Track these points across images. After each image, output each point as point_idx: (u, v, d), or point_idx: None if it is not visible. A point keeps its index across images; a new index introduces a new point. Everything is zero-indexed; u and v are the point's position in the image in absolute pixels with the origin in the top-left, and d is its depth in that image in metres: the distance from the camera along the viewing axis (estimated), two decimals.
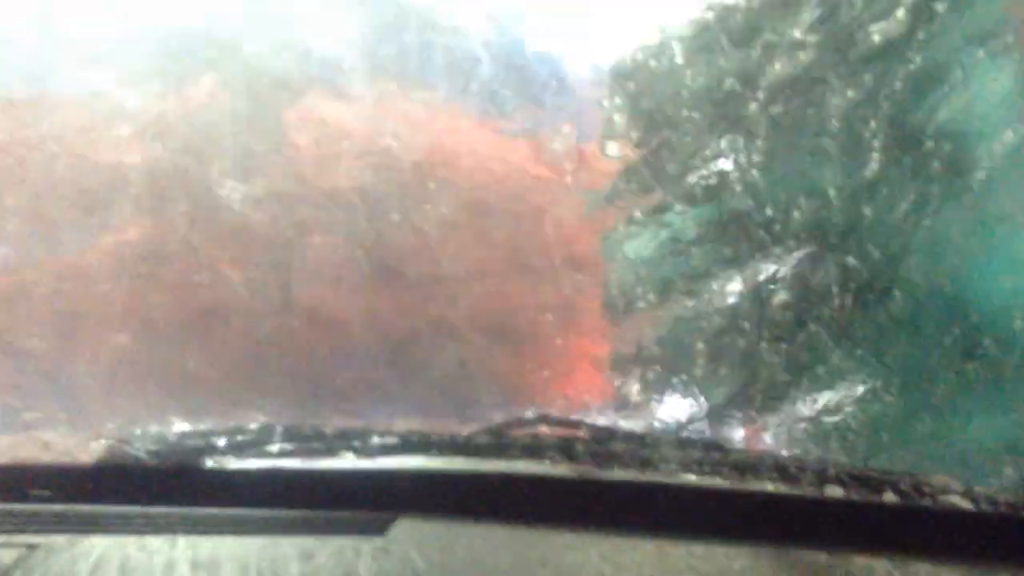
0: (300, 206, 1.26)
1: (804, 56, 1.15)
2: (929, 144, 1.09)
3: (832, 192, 1.13)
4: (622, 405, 1.26)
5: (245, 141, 1.29)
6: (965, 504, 1.22)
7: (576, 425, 1.26)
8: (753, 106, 1.12)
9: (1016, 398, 1.13)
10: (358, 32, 1.33)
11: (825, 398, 1.19)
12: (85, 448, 1.22)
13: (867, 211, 1.12)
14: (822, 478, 1.24)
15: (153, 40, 1.41)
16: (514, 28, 1.30)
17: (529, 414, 1.26)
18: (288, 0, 1.36)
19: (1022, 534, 1.19)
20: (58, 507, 1.17)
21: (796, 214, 1.12)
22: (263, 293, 1.26)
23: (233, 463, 1.23)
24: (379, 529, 1.12)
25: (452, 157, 1.29)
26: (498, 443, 1.25)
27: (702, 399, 1.22)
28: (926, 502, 1.22)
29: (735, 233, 1.15)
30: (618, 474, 1.25)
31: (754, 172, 1.08)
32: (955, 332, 1.14)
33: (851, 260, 1.11)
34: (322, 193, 1.27)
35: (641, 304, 1.24)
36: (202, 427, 1.25)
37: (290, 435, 1.25)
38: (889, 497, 1.23)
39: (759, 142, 1.13)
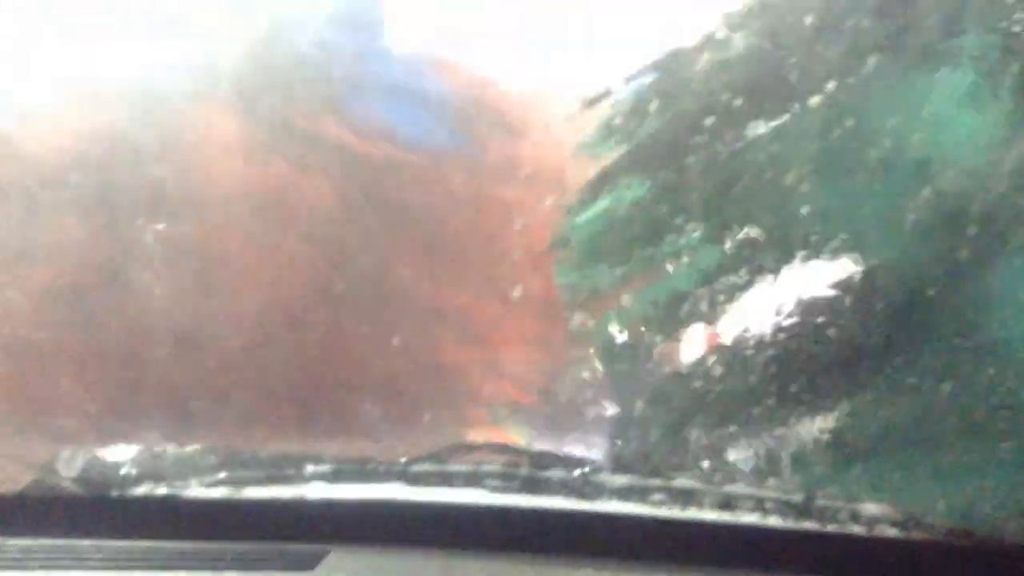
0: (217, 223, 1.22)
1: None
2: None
3: (769, 221, 1.13)
4: (563, 432, 1.25)
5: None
6: (900, 533, 1.23)
7: (516, 452, 1.24)
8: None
9: (945, 435, 1.15)
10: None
11: (767, 433, 1.20)
12: (7, 477, 1.18)
13: (799, 247, 1.13)
14: (762, 507, 1.25)
15: None
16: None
17: (468, 440, 1.25)
18: None
19: (956, 562, 1.20)
20: None
21: (746, 252, 1.12)
22: (189, 315, 1.22)
23: (162, 492, 1.19)
24: (309, 563, 1.09)
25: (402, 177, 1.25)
26: (437, 471, 1.23)
27: (644, 431, 1.21)
28: (862, 531, 1.23)
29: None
30: (559, 502, 1.24)
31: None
32: (887, 371, 1.15)
33: (788, 306, 1.12)
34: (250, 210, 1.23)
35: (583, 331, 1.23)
36: (128, 453, 1.21)
37: (222, 462, 1.21)
38: (827, 526, 1.24)
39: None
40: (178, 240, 1.22)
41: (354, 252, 1.24)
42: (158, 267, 1.23)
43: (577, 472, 1.25)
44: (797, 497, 1.24)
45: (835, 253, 1.09)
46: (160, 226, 1.22)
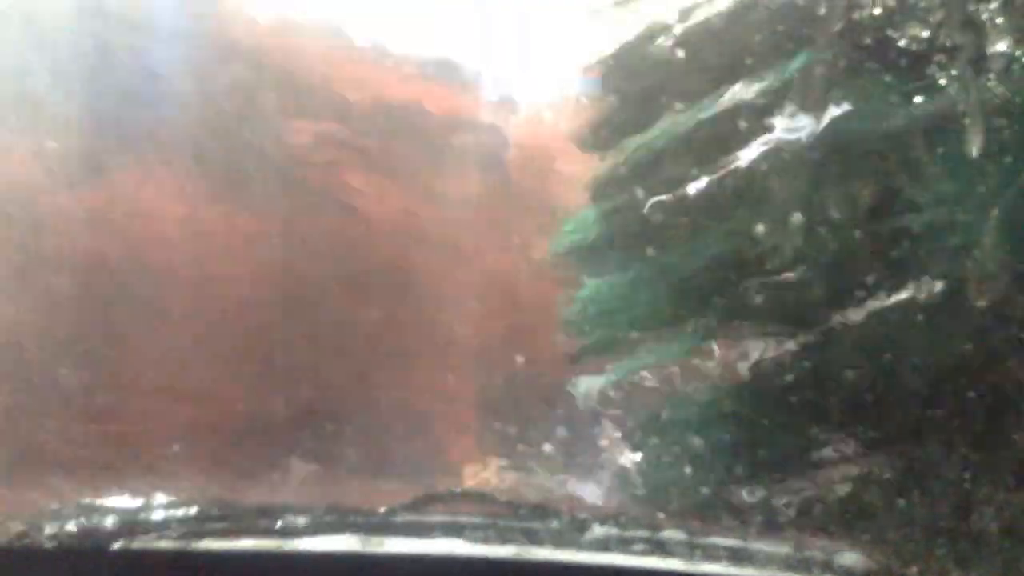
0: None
1: None
2: None
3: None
4: (545, 480, 1.23)
5: None
6: None
7: (496, 501, 1.23)
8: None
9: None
10: None
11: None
12: None
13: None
14: (738, 556, 1.24)
15: None
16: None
17: (447, 489, 1.23)
18: None
19: None
20: None
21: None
22: (172, 363, 1.19)
23: (138, 545, 1.19)
24: None
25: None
26: (416, 521, 1.22)
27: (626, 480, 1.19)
28: None
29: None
30: (540, 552, 1.24)
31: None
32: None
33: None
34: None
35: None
36: (110, 506, 1.21)
37: (202, 514, 1.21)
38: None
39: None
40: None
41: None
42: (139, 308, 1.19)
43: (557, 522, 1.24)
44: (783, 549, 1.23)
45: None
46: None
